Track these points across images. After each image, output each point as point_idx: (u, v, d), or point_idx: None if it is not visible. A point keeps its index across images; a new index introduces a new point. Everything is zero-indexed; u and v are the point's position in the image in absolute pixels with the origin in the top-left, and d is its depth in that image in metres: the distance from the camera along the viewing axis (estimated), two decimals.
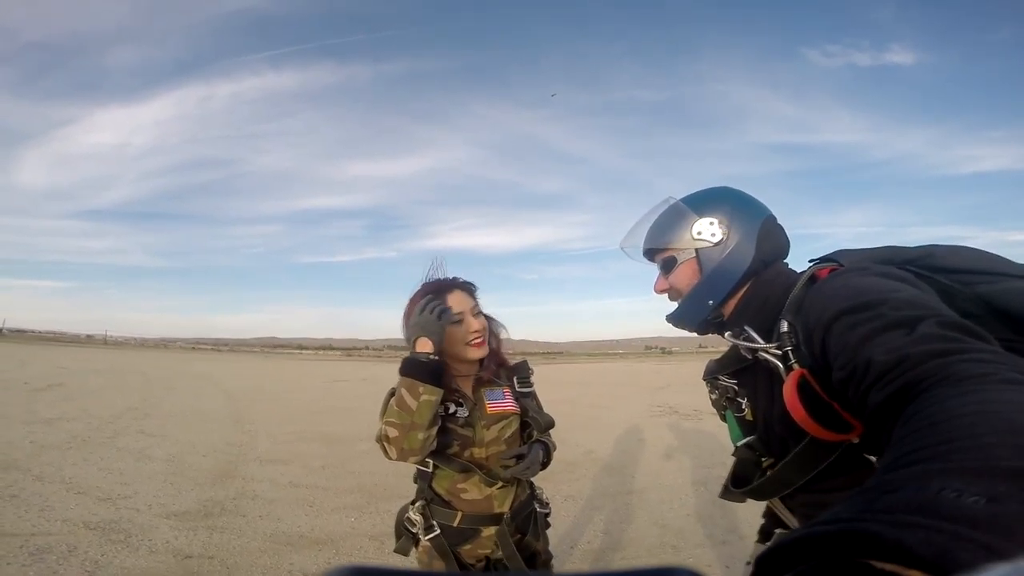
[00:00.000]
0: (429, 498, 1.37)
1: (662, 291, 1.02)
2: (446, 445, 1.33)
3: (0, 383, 10.18)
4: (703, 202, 0.96)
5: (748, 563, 1.14)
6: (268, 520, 3.45)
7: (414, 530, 1.36)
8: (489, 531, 1.34)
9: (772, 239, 0.93)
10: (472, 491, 1.34)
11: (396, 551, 1.41)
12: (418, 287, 1.41)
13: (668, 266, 0.99)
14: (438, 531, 1.33)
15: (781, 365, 0.78)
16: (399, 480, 4.18)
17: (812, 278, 0.81)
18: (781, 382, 0.76)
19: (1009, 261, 0.77)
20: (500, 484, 1.35)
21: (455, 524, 1.33)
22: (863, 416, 0.59)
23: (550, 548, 1.48)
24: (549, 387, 14.52)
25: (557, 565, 2.81)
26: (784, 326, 0.77)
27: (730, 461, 0.99)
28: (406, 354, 1.28)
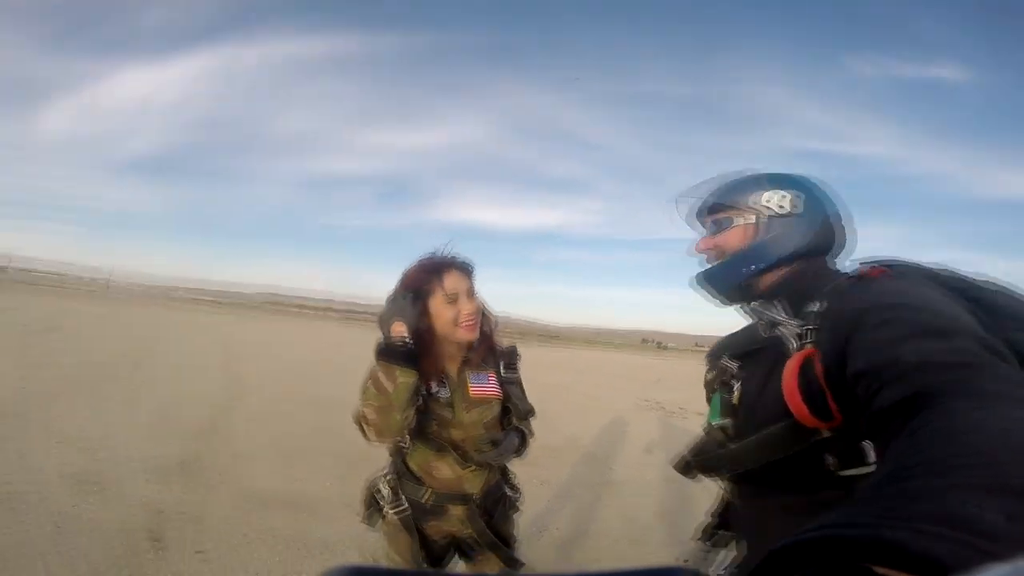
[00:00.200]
0: (401, 472, 1.38)
1: (705, 249, 1.01)
2: (425, 424, 1.34)
3: None
4: (781, 177, 0.97)
5: (685, 561, 1.15)
6: (245, 479, 3.50)
7: (382, 503, 1.38)
8: (457, 510, 1.36)
9: (833, 234, 0.94)
10: (444, 470, 1.35)
11: (363, 521, 1.43)
12: (414, 263, 1.39)
13: (720, 226, 0.98)
14: (406, 506, 1.35)
15: (795, 343, 0.78)
16: (382, 450, 4.20)
17: (861, 275, 0.80)
18: (781, 368, 0.75)
19: None
20: (472, 467, 1.36)
21: (423, 500, 1.35)
22: (863, 413, 0.57)
23: (516, 532, 1.49)
24: (544, 370, 14.72)
25: (522, 550, 2.85)
26: (816, 306, 0.77)
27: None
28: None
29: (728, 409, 0.93)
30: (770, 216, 0.93)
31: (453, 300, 1.33)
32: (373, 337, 1.33)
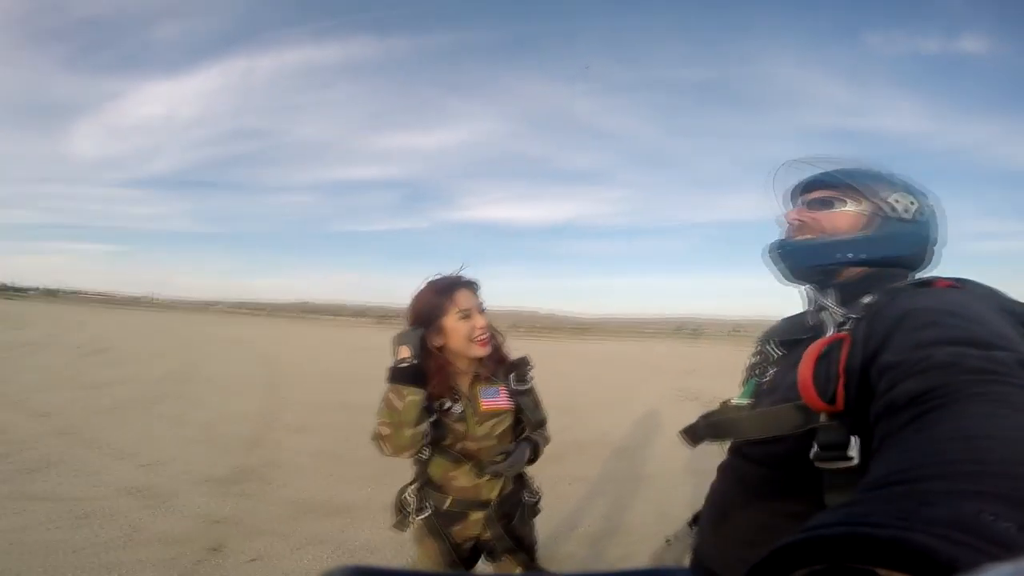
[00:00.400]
0: (424, 481, 1.48)
1: (798, 219, 0.96)
2: (441, 437, 1.43)
3: (54, 346, 10.91)
4: (913, 186, 0.94)
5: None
6: (291, 488, 3.69)
7: (409, 510, 1.48)
8: (477, 515, 1.45)
9: (927, 255, 0.93)
10: (462, 479, 1.44)
11: (394, 527, 1.54)
12: (424, 284, 1.48)
13: (827, 204, 0.94)
14: (430, 512, 1.45)
15: (833, 330, 0.79)
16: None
17: (927, 283, 0.80)
18: None
19: None
20: (488, 476, 1.44)
21: (445, 507, 1.44)
22: (874, 404, 0.57)
23: (537, 534, 1.58)
24: (575, 363, 14.72)
25: (555, 547, 2.95)
26: (868, 299, 0.77)
27: None
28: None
29: (756, 393, 0.93)
30: (890, 215, 0.90)
31: (466, 316, 1.42)
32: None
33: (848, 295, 0.85)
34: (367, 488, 3.69)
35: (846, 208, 0.92)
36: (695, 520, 1.06)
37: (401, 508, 1.52)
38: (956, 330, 0.59)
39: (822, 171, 0.97)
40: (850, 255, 0.89)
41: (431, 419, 1.39)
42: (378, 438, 1.39)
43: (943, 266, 0.95)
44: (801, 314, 0.94)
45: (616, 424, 6.45)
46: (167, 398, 6.54)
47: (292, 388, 7.97)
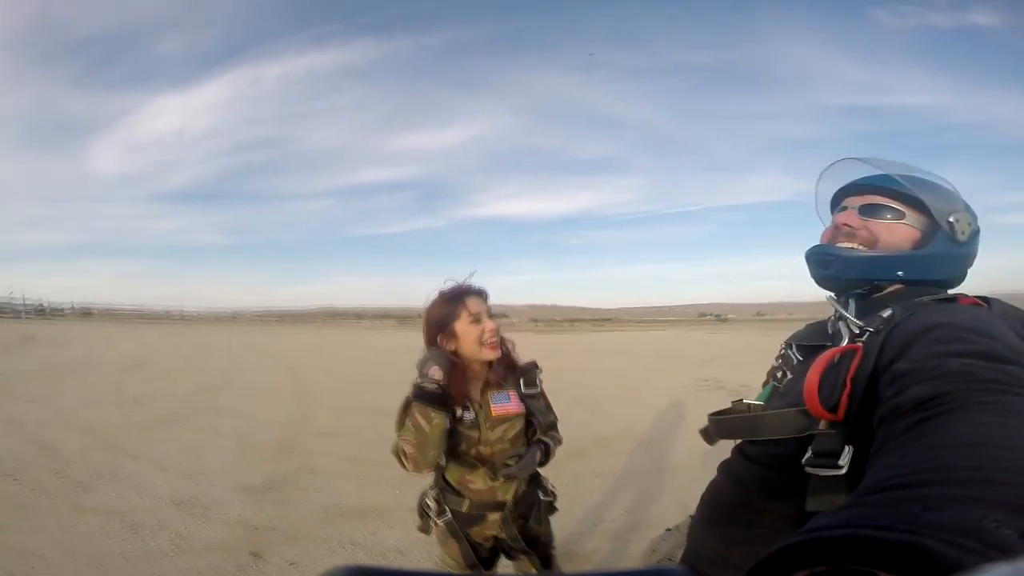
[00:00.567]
0: (442, 486, 1.56)
1: (854, 226, 0.90)
2: (455, 444, 1.50)
3: (93, 364, 11.32)
4: (972, 211, 0.89)
5: (668, 529, 1.19)
6: (324, 493, 3.84)
7: (430, 513, 1.57)
8: (494, 516, 1.52)
9: (964, 276, 0.90)
10: (478, 482, 1.51)
11: (419, 530, 1.63)
12: (436, 295, 1.57)
13: (881, 213, 0.88)
14: (449, 515, 1.53)
15: (847, 339, 0.78)
16: None
17: (951, 299, 0.79)
18: None
19: None
20: (503, 478, 1.52)
21: (464, 510, 1.52)
22: (880, 408, 0.58)
23: (553, 531, 1.65)
24: (595, 357, 14.71)
25: (580, 543, 3.03)
26: (887, 313, 0.76)
27: None
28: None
29: (772, 395, 0.93)
30: (947, 235, 0.85)
31: (477, 320, 1.49)
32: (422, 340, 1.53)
33: (868, 307, 0.83)
34: (395, 491, 3.80)
35: (905, 221, 0.87)
36: None
37: (423, 512, 1.60)
38: (971, 344, 0.59)
39: (885, 174, 0.90)
40: (901, 273, 0.85)
41: (446, 440, 1.47)
42: (400, 454, 1.46)
43: None
44: (823, 321, 0.93)
45: (639, 416, 6.45)
46: (202, 410, 6.79)
47: (320, 394, 8.18)
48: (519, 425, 1.57)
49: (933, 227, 0.86)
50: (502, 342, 1.56)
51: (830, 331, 0.88)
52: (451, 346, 1.50)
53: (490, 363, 1.56)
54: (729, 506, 0.87)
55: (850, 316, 0.82)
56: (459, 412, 1.50)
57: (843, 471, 0.66)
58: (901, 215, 0.87)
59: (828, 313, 0.93)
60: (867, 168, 0.93)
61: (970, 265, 0.89)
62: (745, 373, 9.88)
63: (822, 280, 0.92)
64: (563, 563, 2.37)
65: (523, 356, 1.66)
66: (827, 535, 0.29)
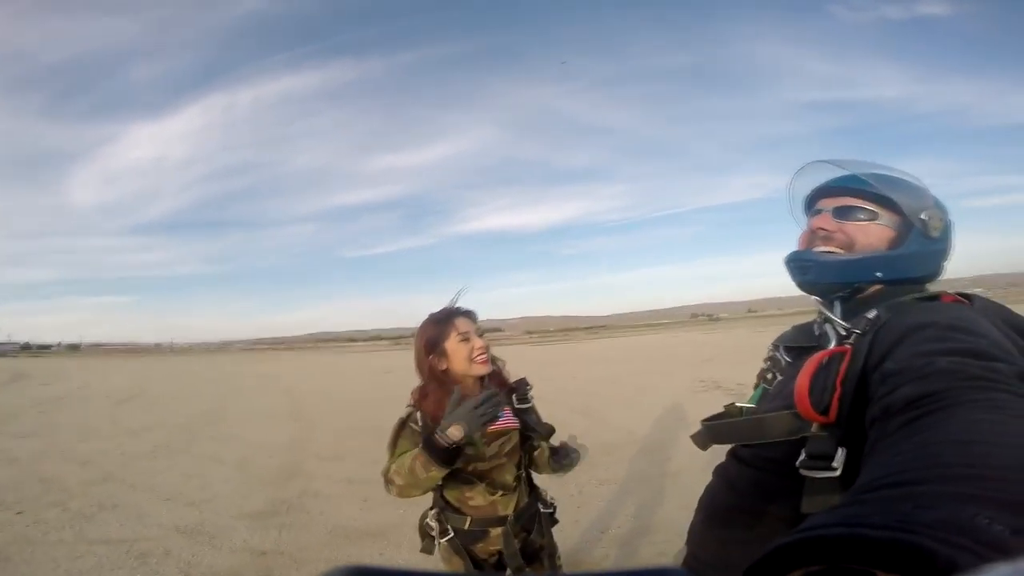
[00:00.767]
0: (441, 506, 1.56)
1: (828, 230, 0.90)
2: None
3: (86, 398, 11.21)
4: (940, 201, 0.90)
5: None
6: (328, 515, 3.82)
7: (432, 533, 1.56)
8: (496, 531, 1.53)
9: (942, 269, 0.91)
10: (478, 499, 1.52)
11: (422, 551, 1.62)
12: (426, 318, 1.60)
13: (852, 215, 0.89)
14: (452, 534, 1.53)
15: (834, 341, 0.78)
16: None
17: (933, 297, 0.80)
18: None
19: None
20: (502, 492, 1.54)
21: (466, 527, 1.52)
22: (871, 408, 0.59)
23: (555, 541, 1.67)
24: (591, 364, 14.71)
25: (588, 550, 3.03)
26: (872, 314, 0.76)
27: None
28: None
29: (762, 398, 0.94)
30: (920, 232, 0.86)
31: (466, 339, 1.53)
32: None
33: (853, 308, 0.84)
34: (399, 510, 3.76)
35: (879, 221, 0.87)
36: None
37: (425, 532, 1.60)
38: (959, 342, 0.60)
39: (854, 175, 0.91)
40: (879, 274, 0.85)
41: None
42: (388, 483, 1.45)
43: None
44: (810, 323, 0.93)
45: (639, 422, 6.46)
46: (201, 438, 6.74)
47: (319, 417, 8.14)
48: (515, 439, 1.60)
49: (907, 225, 0.87)
50: (493, 360, 1.60)
51: (816, 333, 0.88)
52: (442, 365, 1.54)
53: (482, 381, 1.59)
54: (725, 509, 0.88)
55: (836, 318, 0.82)
56: None
57: (837, 473, 0.66)
58: (875, 215, 0.88)
59: (817, 308, 0.92)
60: (837, 170, 0.93)
61: (947, 260, 0.90)
62: (741, 372, 9.88)
63: (803, 285, 0.93)
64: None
65: (519, 370, 1.70)
66: (822, 534, 0.29)
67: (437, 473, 1.37)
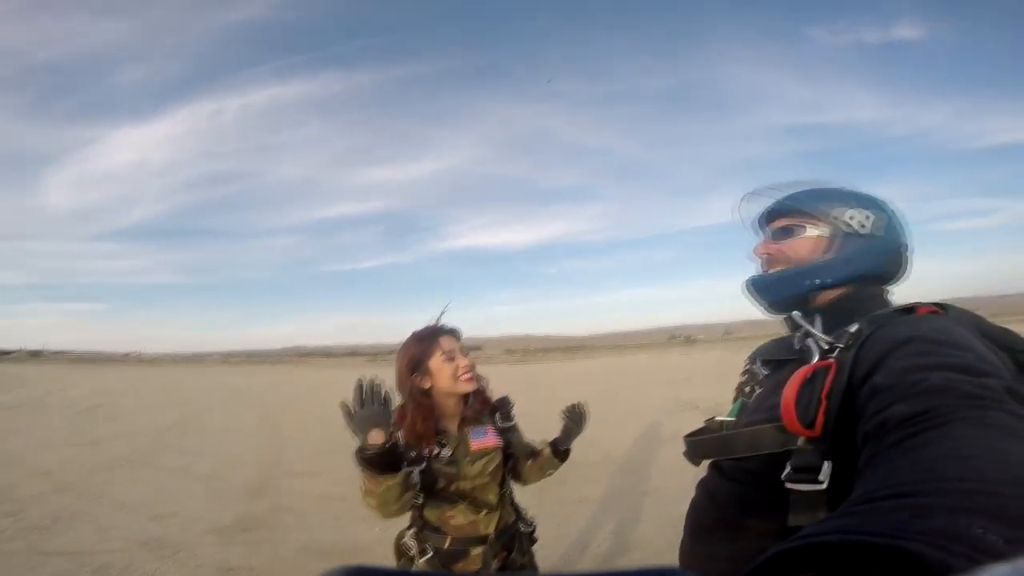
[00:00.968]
0: (420, 525, 1.51)
1: (765, 254, 0.97)
2: (432, 483, 1.47)
3: (46, 406, 10.75)
4: (866, 197, 0.94)
5: None
6: (300, 532, 3.71)
7: (411, 553, 1.51)
8: (477, 551, 1.48)
9: (899, 265, 0.93)
10: (459, 518, 1.48)
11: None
12: (410, 336, 1.58)
13: (787, 233, 0.95)
14: (431, 554, 1.48)
15: (817, 356, 0.78)
16: None
17: (909, 309, 0.80)
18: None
19: None
20: (485, 511, 1.50)
21: (445, 547, 1.48)
22: (863, 425, 0.59)
23: (537, 562, 1.64)
24: (570, 384, 14.68)
25: (568, 568, 3.00)
26: (854, 328, 0.76)
27: None
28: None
29: (742, 411, 0.94)
30: (848, 233, 0.90)
31: (451, 358, 1.51)
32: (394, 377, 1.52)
33: (833, 321, 0.84)
34: (375, 528, 3.65)
35: (806, 234, 0.92)
36: None
37: (402, 552, 1.55)
38: (947, 356, 0.60)
39: (774, 200, 0.97)
40: (818, 281, 0.89)
41: (421, 468, 1.45)
42: (367, 505, 1.42)
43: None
44: (789, 336, 0.94)
45: (618, 441, 6.45)
46: (168, 450, 6.51)
47: (292, 433, 7.93)
48: (498, 458, 1.57)
49: (833, 230, 0.91)
50: (478, 378, 1.59)
51: (797, 347, 0.88)
52: (426, 384, 1.52)
53: (466, 399, 1.57)
54: (709, 523, 0.88)
55: (818, 333, 0.83)
56: (435, 450, 1.49)
57: (823, 486, 0.67)
58: (803, 229, 0.93)
59: (797, 322, 0.92)
60: (764, 198, 1.01)
61: (899, 254, 0.92)
62: (718, 391, 9.88)
63: (765, 309, 0.97)
64: None
65: (498, 390, 1.69)
66: (818, 540, 0.30)
67: (390, 480, 1.32)
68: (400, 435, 1.45)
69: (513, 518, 1.60)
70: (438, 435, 1.50)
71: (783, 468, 0.71)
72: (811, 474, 0.68)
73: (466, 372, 1.52)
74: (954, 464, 0.41)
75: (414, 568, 1.50)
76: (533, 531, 1.66)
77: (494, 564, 1.49)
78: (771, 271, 0.96)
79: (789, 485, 0.70)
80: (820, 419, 0.69)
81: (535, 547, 1.66)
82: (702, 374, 15.08)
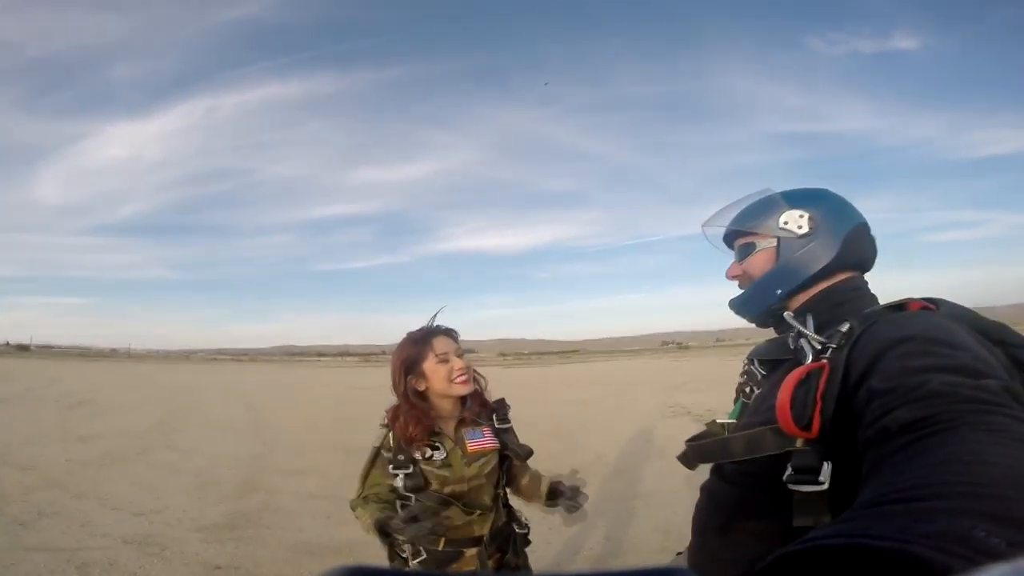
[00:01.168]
0: None
1: (734, 277, 1.02)
2: (425, 485, 1.45)
3: (33, 401, 10.61)
4: (798, 196, 0.95)
5: (679, 553, 1.15)
6: (290, 531, 3.67)
7: (404, 555, 1.47)
8: (471, 552, 1.46)
9: (858, 246, 0.92)
10: (453, 519, 1.46)
11: None
12: (404, 337, 1.56)
13: (746, 252, 0.98)
14: (425, 555, 1.45)
15: (811, 356, 0.78)
16: None
17: (901, 306, 0.81)
18: None
19: None
20: (479, 512, 1.48)
21: (439, 548, 1.45)
22: (864, 430, 0.59)
23: (531, 563, 1.61)
24: (564, 388, 14.73)
25: (561, 571, 2.98)
26: (845, 327, 0.76)
27: None
28: None
29: (742, 413, 0.95)
30: (789, 238, 0.92)
31: (444, 360, 1.49)
32: (387, 378, 1.50)
33: (825, 321, 0.84)
34: None
35: (758, 249, 0.96)
36: None
37: (395, 554, 1.52)
38: (945, 357, 0.60)
39: (723, 226, 1.04)
40: (779, 291, 0.93)
41: (407, 471, 1.43)
42: (356, 516, 1.44)
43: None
44: (784, 336, 0.94)
45: (610, 445, 6.46)
46: (156, 447, 6.42)
47: (282, 431, 7.88)
48: (494, 460, 1.55)
49: (777, 239, 0.94)
50: (476, 379, 1.57)
51: (792, 346, 0.88)
52: (420, 385, 1.50)
53: (463, 401, 1.56)
54: (713, 526, 0.88)
55: (810, 333, 0.83)
56: (428, 452, 1.47)
57: (824, 486, 0.67)
58: (754, 246, 0.97)
59: (789, 323, 0.92)
60: (716, 225, 1.06)
61: (853, 237, 0.91)
62: (709, 398, 10.11)
63: (754, 323, 1.02)
64: None
65: (493, 392, 1.66)
66: (822, 543, 0.30)
67: (376, 537, 1.37)
68: (391, 437, 1.45)
69: (507, 520, 1.58)
70: (433, 437, 1.49)
71: (783, 470, 0.72)
72: (811, 475, 0.68)
73: (461, 374, 1.50)
74: (957, 468, 0.41)
75: (409, 565, 1.48)
76: (527, 532, 1.63)
77: (489, 565, 1.48)
78: (743, 289, 1.01)
79: (791, 486, 0.70)
80: (816, 421, 0.69)
81: (528, 549, 1.63)
82: (694, 380, 15.17)
